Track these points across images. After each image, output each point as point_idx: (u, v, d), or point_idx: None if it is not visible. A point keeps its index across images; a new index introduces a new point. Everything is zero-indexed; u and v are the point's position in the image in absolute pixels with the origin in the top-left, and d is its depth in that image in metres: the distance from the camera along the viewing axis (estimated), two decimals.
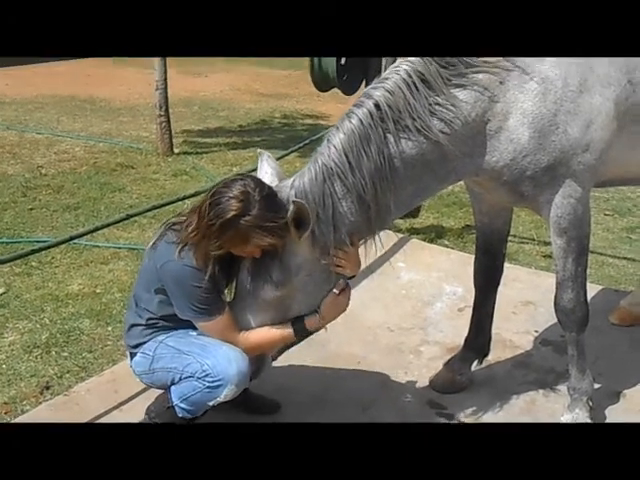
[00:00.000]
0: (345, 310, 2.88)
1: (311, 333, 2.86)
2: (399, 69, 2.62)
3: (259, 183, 2.63)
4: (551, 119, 2.65)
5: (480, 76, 2.60)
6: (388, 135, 2.58)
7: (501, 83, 2.63)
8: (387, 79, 2.62)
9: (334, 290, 2.79)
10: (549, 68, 2.64)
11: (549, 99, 2.64)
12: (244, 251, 2.66)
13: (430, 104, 2.58)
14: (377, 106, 2.58)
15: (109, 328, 4.08)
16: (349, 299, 2.86)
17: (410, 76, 2.58)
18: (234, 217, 2.54)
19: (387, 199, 2.63)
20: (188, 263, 2.67)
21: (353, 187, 2.59)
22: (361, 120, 2.58)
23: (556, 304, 3.07)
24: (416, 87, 2.58)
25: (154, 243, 2.82)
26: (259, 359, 2.86)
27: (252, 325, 2.77)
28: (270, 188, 2.65)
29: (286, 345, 2.93)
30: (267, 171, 2.83)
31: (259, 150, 2.96)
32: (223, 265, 2.72)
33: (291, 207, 2.52)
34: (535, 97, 2.63)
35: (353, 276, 2.90)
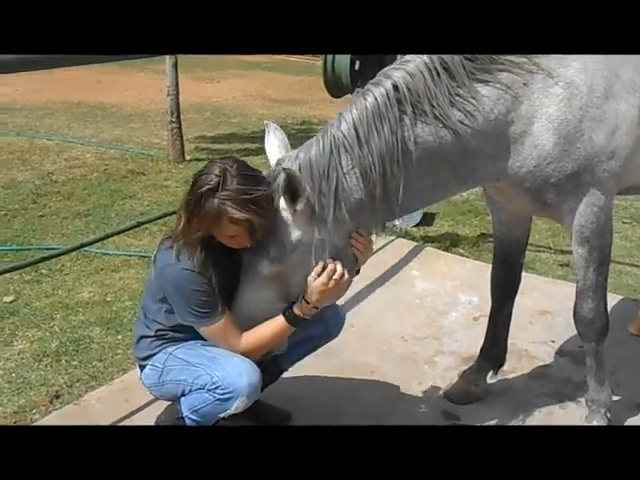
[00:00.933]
0: (340, 292, 2.80)
1: (305, 319, 2.80)
2: (422, 55, 2.56)
3: (239, 163, 2.62)
4: (576, 125, 2.63)
5: (504, 74, 2.57)
6: (404, 117, 2.53)
7: (525, 85, 2.60)
8: (409, 62, 2.56)
9: (311, 274, 2.69)
10: (574, 73, 2.62)
11: (575, 105, 2.62)
12: (226, 234, 2.62)
13: (451, 94, 2.53)
14: (395, 87, 2.53)
15: (119, 336, 4.09)
16: (343, 282, 2.73)
17: (433, 62, 2.53)
18: (208, 191, 2.54)
19: (396, 182, 2.56)
20: (185, 266, 2.67)
21: (359, 162, 2.52)
22: (376, 98, 2.52)
23: (576, 314, 3.06)
24: (438, 74, 2.52)
25: (156, 252, 2.84)
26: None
27: (254, 302, 2.72)
28: (252, 169, 2.63)
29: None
30: (274, 143, 2.79)
31: (265, 121, 2.90)
32: (220, 267, 2.72)
33: (281, 175, 2.46)
34: (560, 102, 2.61)
35: (357, 271, 2.88)
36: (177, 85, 7.86)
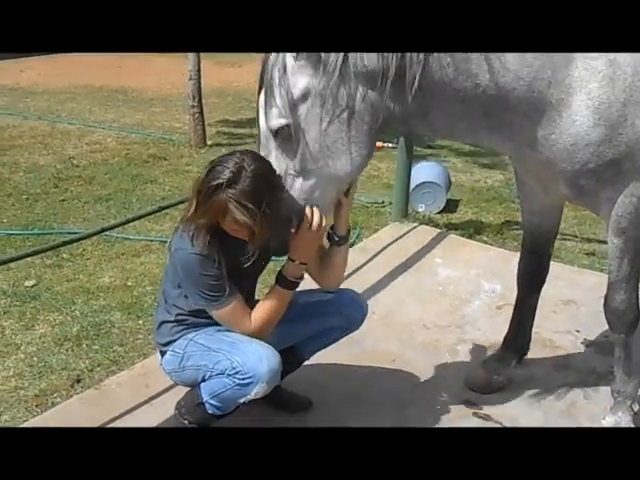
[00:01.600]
0: (318, 241, 2.84)
1: (298, 281, 2.86)
2: None
3: (258, 162, 2.61)
4: (620, 109, 2.53)
5: None
6: None
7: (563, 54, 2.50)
8: None
9: (291, 230, 2.74)
10: None
11: (618, 86, 2.51)
12: (227, 225, 2.65)
13: None
14: None
15: (140, 321, 4.12)
16: (320, 229, 2.75)
17: None
18: (219, 185, 2.56)
19: (413, 73, 2.43)
20: (194, 251, 2.70)
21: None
22: None
23: (607, 305, 3.03)
24: None
25: (171, 237, 2.87)
26: None
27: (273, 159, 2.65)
28: (268, 169, 2.62)
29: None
30: None
31: None
32: (228, 252, 2.73)
33: None
34: (602, 80, 2.51)
35: (344, 236, 2.94)
36: (199, 70, 7.86)
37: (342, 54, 2.40)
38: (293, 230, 2.75)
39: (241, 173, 2.56)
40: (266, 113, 2.55)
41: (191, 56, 7.83)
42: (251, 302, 2.95)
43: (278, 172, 2.60)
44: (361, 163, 2.62)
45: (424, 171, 6.07)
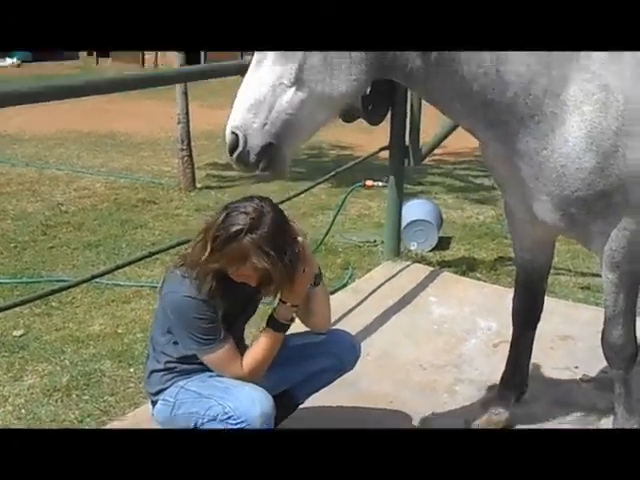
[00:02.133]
0: (308, 282, 2.85)
1: (289, 323, 2.87)
2: None
3: (275, 208, 2.67)
4: (612, 138, 2.52)
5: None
6: None
7: (559, 60, 2.51)
8: None
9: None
10: (611, 76, 2.51)
11: (611, 113, 2.50)
12: (239, 272, 2.67)
13: None
14: None
15: (131, 369, 4.07)
16: (309, 270, 2.81)
17: None
18: (240, 231, 2.58)
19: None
20: (188, 293, 2.69)
21: None
22: None
23: (604, 340, 3.00)
24: None
25: (163, 280, 2.85)
26: None
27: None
28: (284, 217, 2.68)
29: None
30: None
31: None
32: (227, 296, 2.74)
33: None
34: (596, 104, 2.51)
35: (317, 275, 2.92)
36: (187, 113, 7.91)
37: None
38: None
39: (262, 219, 2.59)
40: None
41: (179, 99, 7.87)
42: (241, 346, 2.93)
43: (269, 82, 2.43)
44: (358, 88, 2.52)
45: (415, 209, 6.07)
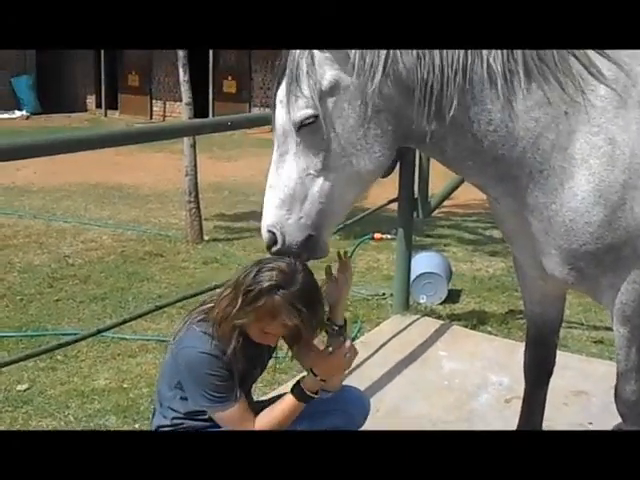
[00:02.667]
0: (347, 368, 2.84)
1: (313, 396, 2.79)
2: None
3: (307, 268, 2.66)
4: (619, 191, 2.51)
5: (556, 85, 2.48)
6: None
7: (566, 114, 2.52)
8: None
9: (329, 348, 2.78)
10: (617, 130, 2.52)
11: (618, 166, 2.50)
12: (266, 329, 2.66)
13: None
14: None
15: (136, 425, 4.03)
16: (351, 356, 2.78)
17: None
18: (273, 287, 2.58)
19: (450, 93, 2.41)
20: (207, 350, 2.67)
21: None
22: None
23: (617, 396, 2.96)
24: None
25: (176, 336, 2.83)
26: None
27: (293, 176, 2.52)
28: (314, 280, 2.68)
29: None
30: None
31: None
32: (244, 355, 2.72)
33: None
34: (602, 157, 2.50)
35: (342, 326, 2.89)
36: (195, 165, 7.97)
37: (380, 52, 2.35)
38: (330, 348, 2.78)
39: (294, 276, 2.59)
40: (290, 105, 2.43)
41: (187, 152, 7.95)
42: (249, 401, 2.90)
43: (296, 175, 2.45)
44: (384, 162, 2.55)
45: (424, 261, 6.07)
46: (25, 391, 4.42)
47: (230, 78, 21.95)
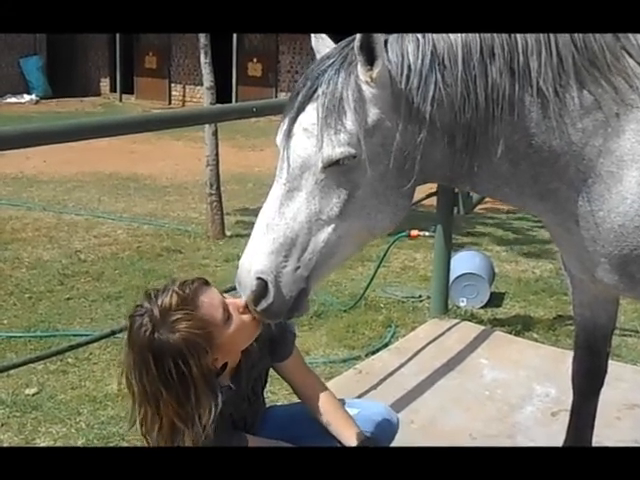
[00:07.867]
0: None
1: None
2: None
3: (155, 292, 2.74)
4: None
5: (607, 87, 2.46)
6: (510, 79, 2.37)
7: (617, 116, 2.50)
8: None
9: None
10: None
11: None
12: (215, 360, 2.59)
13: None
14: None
15: None
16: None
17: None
18: (152, 339, 2.56)
19: (496, 136, 2.38)
20: None
21: (460, 80, 2.30)
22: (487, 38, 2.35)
23: None
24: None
25: None
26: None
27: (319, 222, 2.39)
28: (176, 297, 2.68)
29: None
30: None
31: (312, 35, 2.59)
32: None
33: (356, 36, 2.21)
34: None
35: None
36: (217, 154, 7.99)
37: (426, 94, 2.30)
38: None
39: (162, 315, 2.64)
40: (325, 138, 2.27)
41: (209, 141, 7.98)
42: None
43: (304, 218, 2.32)
44: (398, 219, 2.48)
45: (464, 261, 6.06)
46: (34, 395, 4.48)
47: (255, 60, 22.06)
